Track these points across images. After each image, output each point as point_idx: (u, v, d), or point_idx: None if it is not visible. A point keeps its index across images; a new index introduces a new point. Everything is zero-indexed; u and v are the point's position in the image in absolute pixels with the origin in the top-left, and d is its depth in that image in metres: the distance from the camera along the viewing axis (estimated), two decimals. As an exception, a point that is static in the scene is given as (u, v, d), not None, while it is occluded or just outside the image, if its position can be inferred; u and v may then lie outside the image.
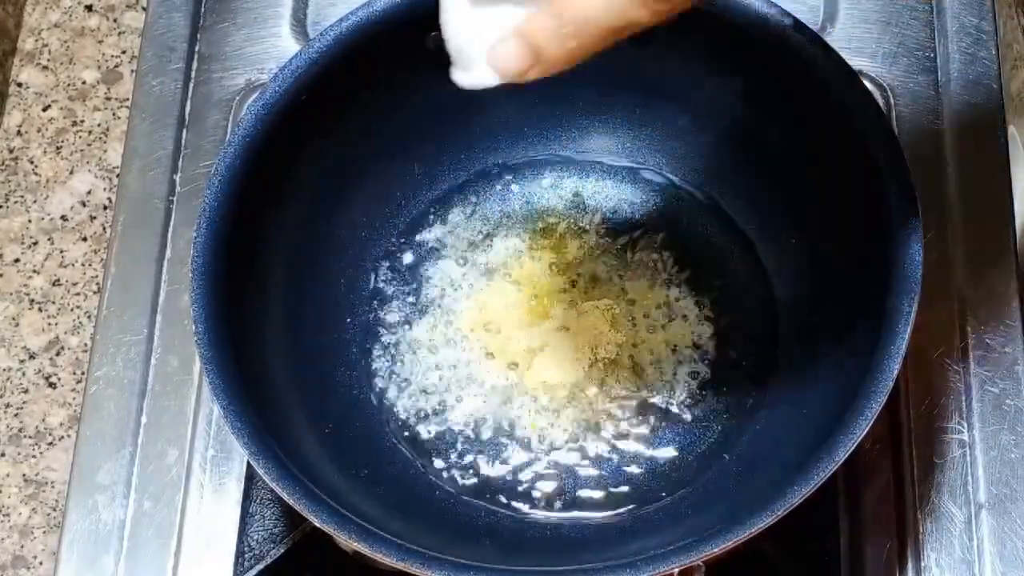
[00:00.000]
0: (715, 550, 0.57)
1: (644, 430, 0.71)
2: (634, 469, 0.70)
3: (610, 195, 0.77)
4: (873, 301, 0.63)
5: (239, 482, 0.74)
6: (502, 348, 0.73)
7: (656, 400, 0.72)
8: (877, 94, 0.80)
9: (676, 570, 0.58)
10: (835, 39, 0.82)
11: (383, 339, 0.74)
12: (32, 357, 0.84)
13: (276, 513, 0.72)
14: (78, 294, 0.85)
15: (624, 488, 0.70)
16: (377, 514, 0.63)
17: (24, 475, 0.81)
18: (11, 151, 0.90)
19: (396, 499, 0.68)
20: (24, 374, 0.84)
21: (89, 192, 0.88)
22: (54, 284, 0.86)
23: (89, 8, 0.94)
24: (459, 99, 0.75)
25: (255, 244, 0.67)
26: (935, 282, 0.76)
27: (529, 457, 0.71)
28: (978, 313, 0.75)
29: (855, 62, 0.80)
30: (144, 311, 0.78)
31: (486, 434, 0.72)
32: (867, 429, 0.59)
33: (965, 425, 0.73)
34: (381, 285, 0.76)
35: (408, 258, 0.76)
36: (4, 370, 0.84)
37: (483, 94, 0.75)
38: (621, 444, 0.71)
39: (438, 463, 0.71)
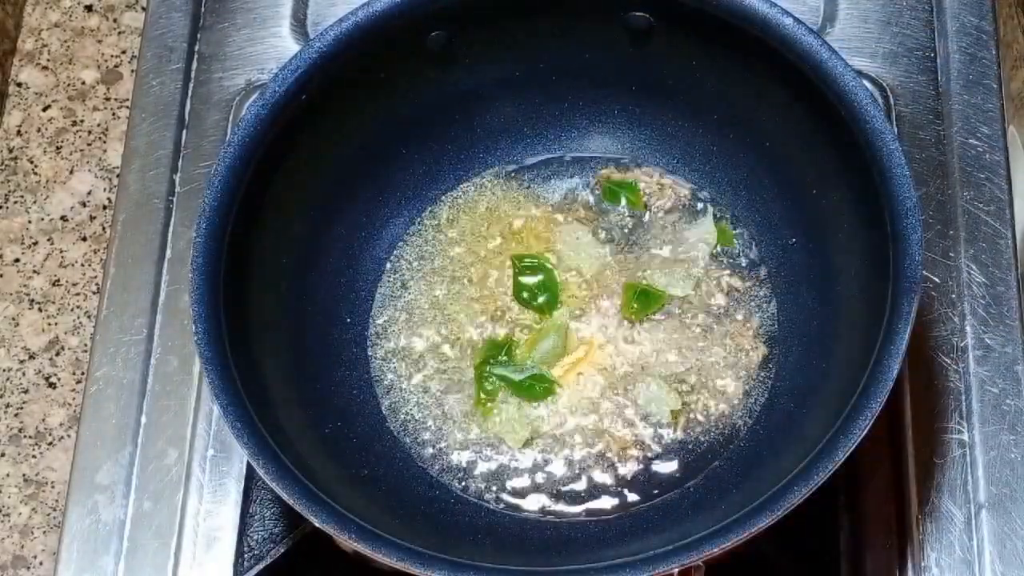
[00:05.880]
0: (715, 550, 0.57)
1: (644, 430, 0.71)
2: (634, 469, 0.70)
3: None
4: (873, 301, 0.63)
5: (239, 482, 0.74)
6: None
7: (656, 401, 0.72)
8: (877, 94, 0.80)
9: (676, 570, 0.58)
10: (835, 39, 0.82)
11: (383, 339, 0.74)
12: (32, 357, 0.84)
13: (276, 513, 0.72)
14: (78, 294, 0.85)
15: (624, 488, 0.70)
16: (377, 514, 0.63)
17: (24, 475, 0.81)
18: (11, 151, 0.90)
19: (396, 499, 0.68)
20: (24, 374, 0.84)
21: (89, 192, 0.88)
22: (54, 284, 0.86)
23: (89, 8, 0.94)
24: (459, 99, 0.75)
25: (255, 244, 0.67)
26: (935, 281, 0.76)
27: (529, 458, 0.71)
28: (978, 313, 0.75)
29: (855, 62, 0.81)
30: (144, 311, 0.78)
31: (486, 435, 0.72)
32: (867, 429, 0.59)
33: (965, 425, 0.73)
34: (381, 285, 0.76)
35: (408, 258, 0.76)
36: (4, 370, 0.84)
37: (484, 94, 0.76)
38: (621, 445, 0.71)
39: (438, 463, 0.71)
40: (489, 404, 0.72)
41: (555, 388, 0.72)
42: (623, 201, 0.75)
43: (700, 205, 0.76)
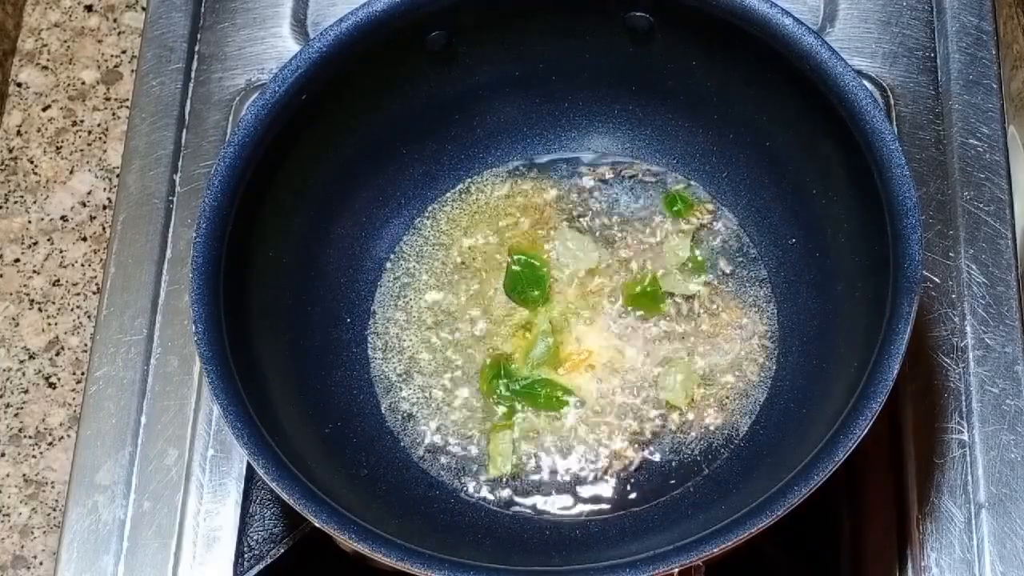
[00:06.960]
0: (715, 550, 0.57)
1: (644, 430, 0.71)
2: (634, 469, 0.70)
3: (610, 194, 0.77)
4: (873, 301, 0.63)
5: (239, 482, 0.74)
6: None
7: (656, 401, 0.72)
8: (877, 94, 0.80)
9: (676, 570, 0.58)
10: (835, 39, 0.82)
11: (383, 339, 0.74)
12: (32, 357, 0.84)
13: (276, 513, 0.72)
14: (78, 294, 0.85)
15: (624, 488, 0.70)
16: (377, 514, 0.63)
17: (24, 475, 0.81)
18: (11, 151, 0.90)
19: (396, 499, 0.68)
20: (24, 374, 0.84)
21: (89, 192, 0.88)
22: (54, 284, 0.86)
23: (89, 8, 0.94)
24: (459, 99, 0.75)
25: (255, 244, 0.67)
26: (935, 281, 0.76)
27: (529, 458, 0.71)
28: (978, 313, 0.75)
29: (855, 62, 0.81)
30: (144, 311, 0.78)
31: (486, 434, 0.72)
32: (867, 429, 0.59)
33: (965, 425, 0.73)
34: (381, 285, 0.76)
35: (408, 258, 0.76)
36: (4, 370, 0.84)
37: (484, 94, 0.76)
38: (621, 445, 0.71)
39: (438, 463, 0.71)
40: (501, 422, 0.72)
41: (566, 398, 0.72)
42: (672, 209, 0.76)
43: (712, 229, 0.76)
